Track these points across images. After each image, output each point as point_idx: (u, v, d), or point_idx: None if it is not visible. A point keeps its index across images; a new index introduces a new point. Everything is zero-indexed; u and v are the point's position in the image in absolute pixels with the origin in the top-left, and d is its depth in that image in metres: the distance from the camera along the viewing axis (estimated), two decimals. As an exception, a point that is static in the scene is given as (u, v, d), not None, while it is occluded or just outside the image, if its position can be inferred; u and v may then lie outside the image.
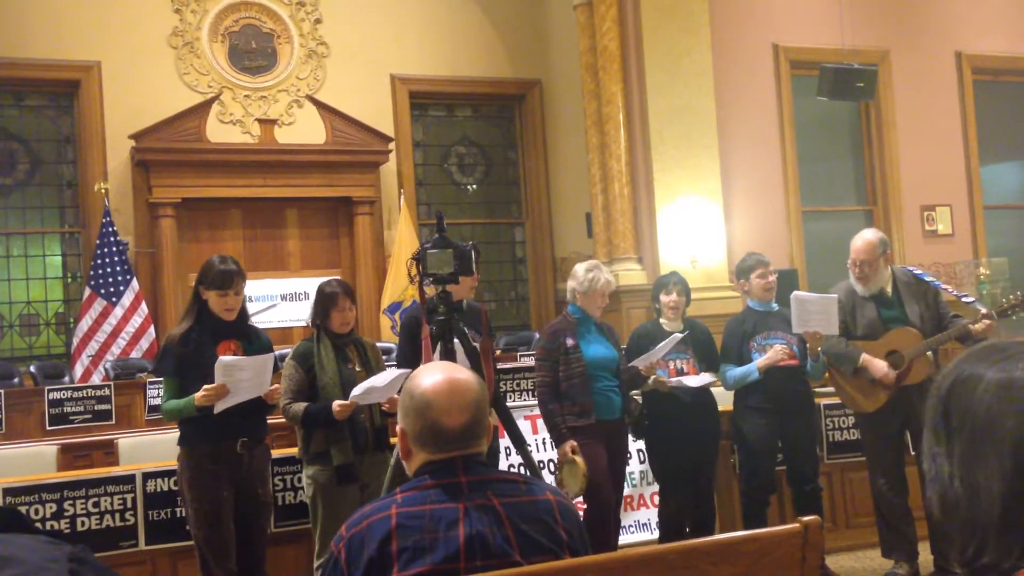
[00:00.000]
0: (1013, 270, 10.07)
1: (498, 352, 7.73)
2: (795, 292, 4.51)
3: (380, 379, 3.80)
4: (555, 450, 4.30)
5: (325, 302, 4.10)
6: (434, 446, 1.81)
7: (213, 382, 3.62)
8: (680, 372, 4.56)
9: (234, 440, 3.73)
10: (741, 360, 4.61)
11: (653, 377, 4.39)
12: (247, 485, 3.78)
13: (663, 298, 4.62)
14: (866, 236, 4.48)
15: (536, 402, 4.47)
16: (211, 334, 3.78)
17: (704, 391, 4.61)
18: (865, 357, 4.38)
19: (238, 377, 3.62)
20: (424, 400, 1.80)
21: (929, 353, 4.36)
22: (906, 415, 4.37)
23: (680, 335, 4.40)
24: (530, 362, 6.15)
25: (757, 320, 4.67)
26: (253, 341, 3.90)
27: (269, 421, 4.02)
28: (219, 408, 3.63)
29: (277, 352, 4.06)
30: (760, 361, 4.51)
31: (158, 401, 6.92)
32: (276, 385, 3.80)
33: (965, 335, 4.25)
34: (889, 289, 4.46)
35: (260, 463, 3.89)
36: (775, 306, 4.73)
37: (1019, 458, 1.00)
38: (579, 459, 4.10)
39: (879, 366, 4.34)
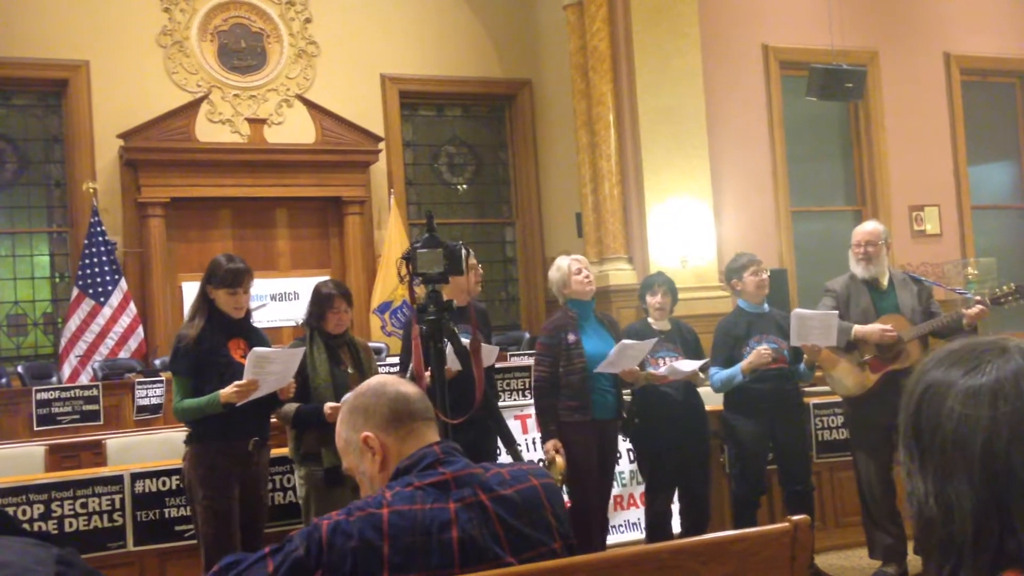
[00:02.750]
0: (1001, 270, 10.11)
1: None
2: (796, 310, 4.59)
3: None
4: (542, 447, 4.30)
5: (321, 303, 4.07)
6: (408, 418, 1.83)
7: (227, 380, 3.60)
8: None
9: (245, 439, 3.72)
10: (731, 363, 4.60)
11: (645, 373, 4.38)
12: (252, 485, 3.77)
13: (649, 299, 4.63)
14: (870, 223, 4.76)
15: (527, 401, 4.46)
16: (222, 333, 3.76)
17: (693, 391, 4.61)
18: (858, 328, 4.45)
19: (268, 370, 3.61)
20: (377, 383, 1.90)
21: (918, 341, 4.42)
22: (895, 406, 4.37)
23: (632, 343, 4.26)
24: (520, 362, 6.16)
25: (750, 322, 4.66)
26: (255, 340, 3.88)
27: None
28: (242, 401, 3.60)
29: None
30: (743, 364, 4.51)
31: (146, 401, 6.99)
32: (292, 380, 3.77)
33: (958, 321, 4.37)
34: (885, 281, 4.58)
35: (265, 463, 3.89)
36: (766, 307, 4.74)
37: (989, 470, 0.96)
38: (560, 458, 4.11)
39: (874, 328, 4.42)
